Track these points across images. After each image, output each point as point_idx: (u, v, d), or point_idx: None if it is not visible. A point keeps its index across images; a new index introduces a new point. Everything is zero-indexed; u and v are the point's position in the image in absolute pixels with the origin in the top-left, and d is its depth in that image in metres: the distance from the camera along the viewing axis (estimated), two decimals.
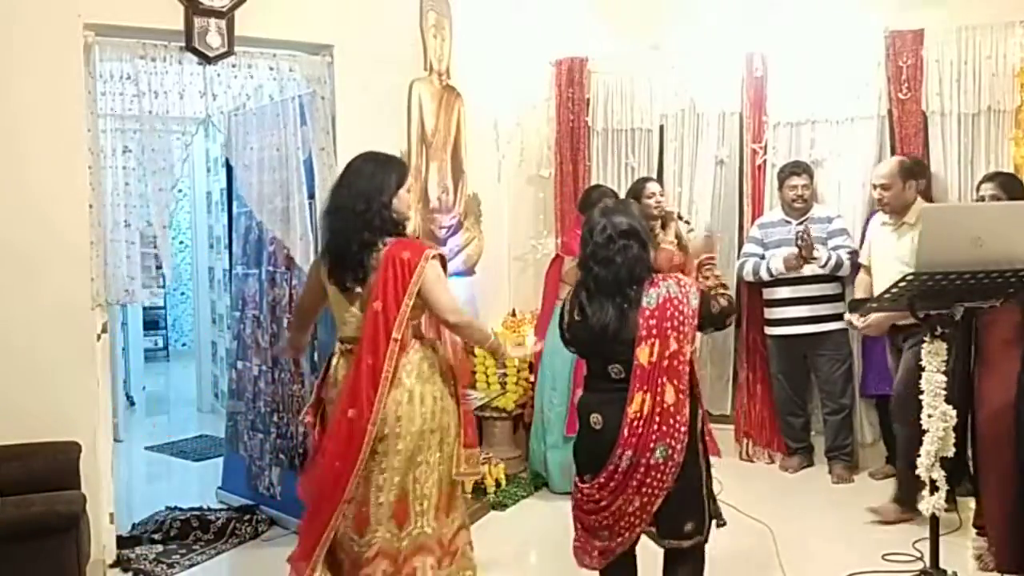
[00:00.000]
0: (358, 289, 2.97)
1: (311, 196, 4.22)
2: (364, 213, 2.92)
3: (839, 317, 5.06)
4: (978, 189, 4.19)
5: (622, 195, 5.02)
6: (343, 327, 3.07)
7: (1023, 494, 3.48)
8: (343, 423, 2.89)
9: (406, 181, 3.07)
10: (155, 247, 3.93)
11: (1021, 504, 3.48)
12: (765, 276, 5.08)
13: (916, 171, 4.50)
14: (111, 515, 3.89)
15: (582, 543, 2.89)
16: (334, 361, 3.09)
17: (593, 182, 5.62)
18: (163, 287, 10.12)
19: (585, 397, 2.90)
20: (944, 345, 3.24)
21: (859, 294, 4.57)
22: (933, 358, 3.23)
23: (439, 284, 2.96)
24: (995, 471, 3.58)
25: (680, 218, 5.10)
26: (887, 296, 3.33)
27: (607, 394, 2.77)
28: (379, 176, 3.00)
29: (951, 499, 3.70)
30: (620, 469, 2.70)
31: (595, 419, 2.80)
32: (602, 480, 2.73)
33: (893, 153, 5.08)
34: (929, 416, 3.23)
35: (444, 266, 3.05)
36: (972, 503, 3.90)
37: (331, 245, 3.02)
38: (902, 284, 3.15)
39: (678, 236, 5.00)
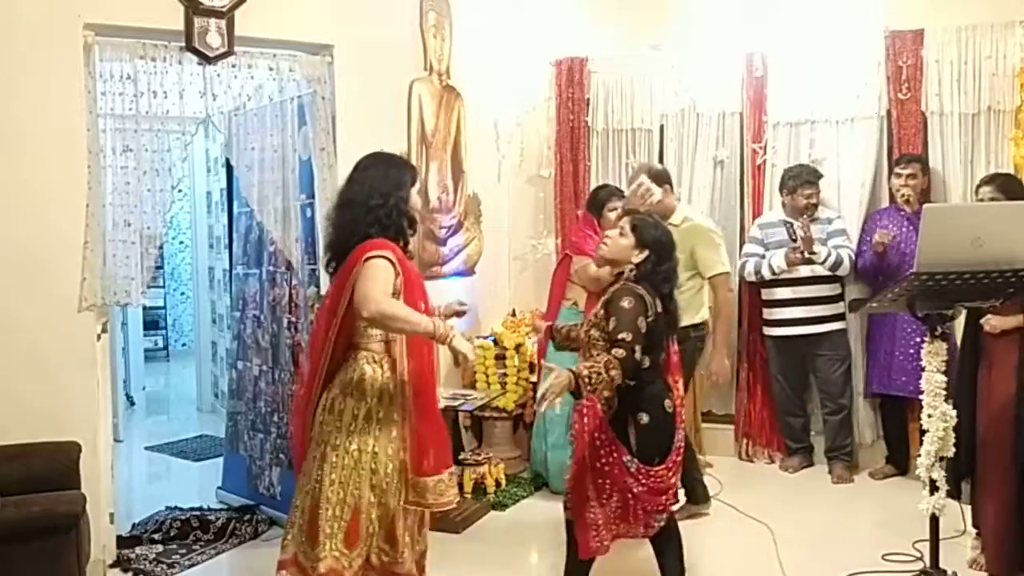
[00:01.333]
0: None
1: (311, 197, 4.22)
2: (377, 209, 2.87)
3: (838, 318, 5.08)
4: (977, 192, 4.19)
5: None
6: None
7: (1020, 497, 3.49)
8: (296, 398, 3.07)
9: (417, 181, 3.04)
10: (157, 248, 3.92)
11: (1017, 507, 3.49)
12: (767, 274, 5.08)
13: (664, 177, 4.45)
14: (111, 515, 3.89)
15: (604, 534, 2.96)
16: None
17: (593, 182, 5.62)
18: (162, 287, 10.17)
19: (657, 387, 3.04)
20: (944, 345, 3.24)
21: None
22: (933, 358, 3.23)
23: (362, 278, 2.79)
24: (993, 471, 3.59)
25: None
26: (888, 296, 3.33)
27: (664, 382, 3.09)
28: (394, 173, 2.96)
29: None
30: (679, 447, 3.05)
31: (668, 404, 3.05)
32: (674, 459, 3.03)
33: (892, 153, 5.09)
34: (929, 416, 3.23)
35: (398, 267, 2.88)
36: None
37: (333, 241, 2.96)
38: (903, 284, 3.16)
39: None
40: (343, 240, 2.91)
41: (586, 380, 2.78)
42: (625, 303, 2.93)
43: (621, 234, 3.12)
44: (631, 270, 3.07)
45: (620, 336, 2.87)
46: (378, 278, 2.79)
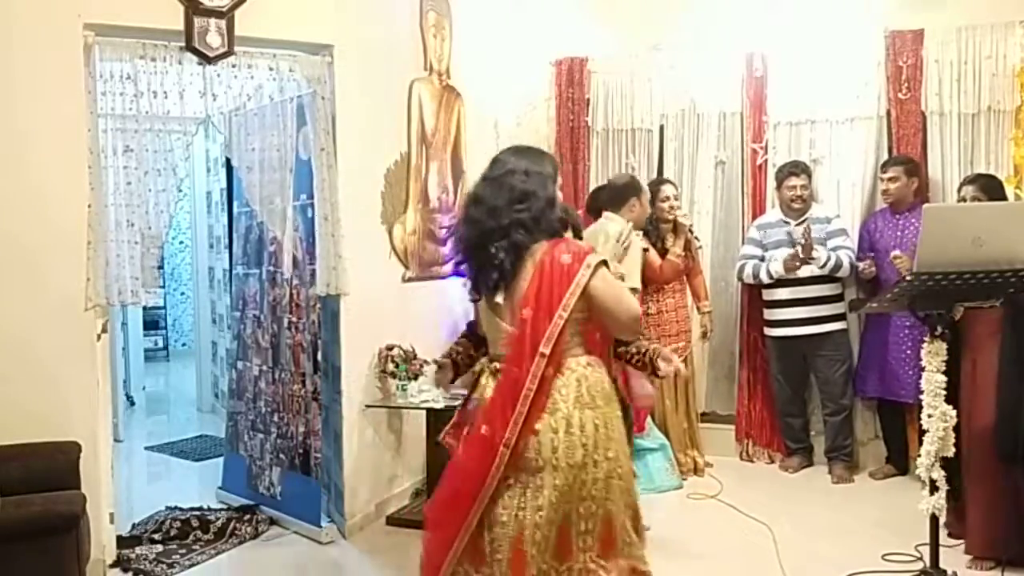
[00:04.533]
0: (498, 298, 2.60)
1: (311, 197, 4.22)
2: (520, 211, 2.58)
3: (839, 318, 5.09)
4: (959, 191, 4.23)
5: None
6: (491, 343, 2.73)
7: (1007, 482, 3.57)
8: (476, 440, 2.57)
9: (559, 175, 2.77)
10: (159, 248, 3.92)
11: (1003, 493, 3.58)
12: (765, 279, 5.08)
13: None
14: (111, 515, 3.89)
15: None
16: (482, 380, 2.71)
17: (593, 182, 5.62)
18: (162, 287, 10.17)
19: None
20: (944, 345, 3.24)
21: None
22: (933, 358, 3.23)
23: (611, 294, 2.54)
24: (979, 459, 3.66)
25: (691, 231, 5.07)
26: (888, 296, 3.34)
27: None
28: (535, 169, 2.65)
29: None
30: None
31: None
32: None
33: (891, 153, 5.10)
34: (929, 416, 3.23)
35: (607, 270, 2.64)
36: None
37: (473, 248, 2.64)
38: (903, 284, 3.16)
39: (687, 245, 4.98)
40: (485, 247, 2.58)
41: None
42: None
43: None
44: None
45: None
46: (622, 294, 2.60)
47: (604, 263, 2.55)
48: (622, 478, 2.60)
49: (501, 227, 2.56)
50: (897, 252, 4.57)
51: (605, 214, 4.40)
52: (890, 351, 4.89)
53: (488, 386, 2.64)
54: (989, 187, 4.08)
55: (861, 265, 4.91)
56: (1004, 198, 4.19)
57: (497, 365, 2.64)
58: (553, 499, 2.50)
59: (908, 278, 3.16)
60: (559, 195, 2.71)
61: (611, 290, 2.55)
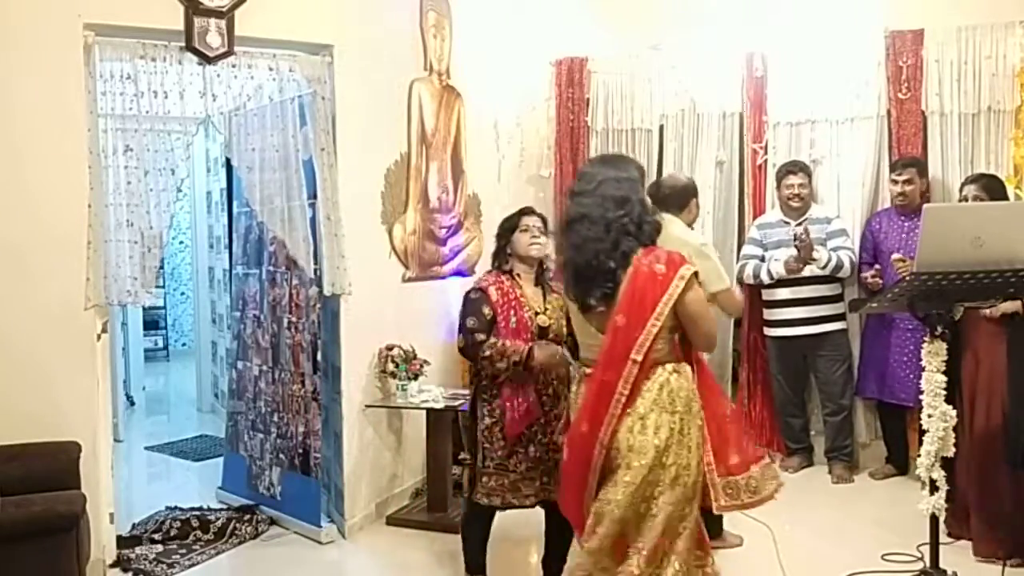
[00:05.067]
0: (601, 308, 2.67)
1: (312, 197, 4.21)
2: (621, 219, 2.63)
3: (839, 318, 5.08)
4: (961, 190, 4.23)
5: None
6: (584, 348, 2.83)
7: (1013, 482, 3.61)
8: (576, 438, 2.71)
9: (644, 179, 2.85)
10: (159, 247, 3.92)
11: (1010, 492, 3.62)
12: (765, 279, 5.08)
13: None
14: (111, 515, 3.89)
15: None
16: (574, 386, 2.88)
17: None
18: (162, 287, 10.17)
19: None
20: (944, 345, 3.24)
21: None
22: (933, 358, 3.23)
23: (699, 310, 2.63)
24: (983, 459, 3.71)
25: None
26: (888, 296, 3.33)
27: None
28: (623, 175, 2.72)
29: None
30: None
31: None
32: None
33: (891, 153, 5.09)
34: (929, 416, 3.23)
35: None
36: None
37: (577, 258, 2.68)
38: (903, 284, 3.16)
39: None
40: (591, 257, 2.65)
41: None
42: None
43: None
44: None
45: None
46: (708, 309, 2.71)
47: (695, 275, 2.61)
48: (687, 487, 2.62)
49: (610, 237, 2.63)
50: (898, 255, 4.56)
51: (666, 217, 4.15)
52: (892, 353, 4.89)
53: (581, 392, 2.76)
54: (991, 187, 4.08)
55: (867, 275, 4.87)
56: (1006, 198, 4.19)
57: (587, 371, 2.74)
58: (619, 496, 2.57)
59: (908, 278, 3.16)
60: (647, 199, 2.79)
61: (699, 306, 2.62)
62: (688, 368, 2.71)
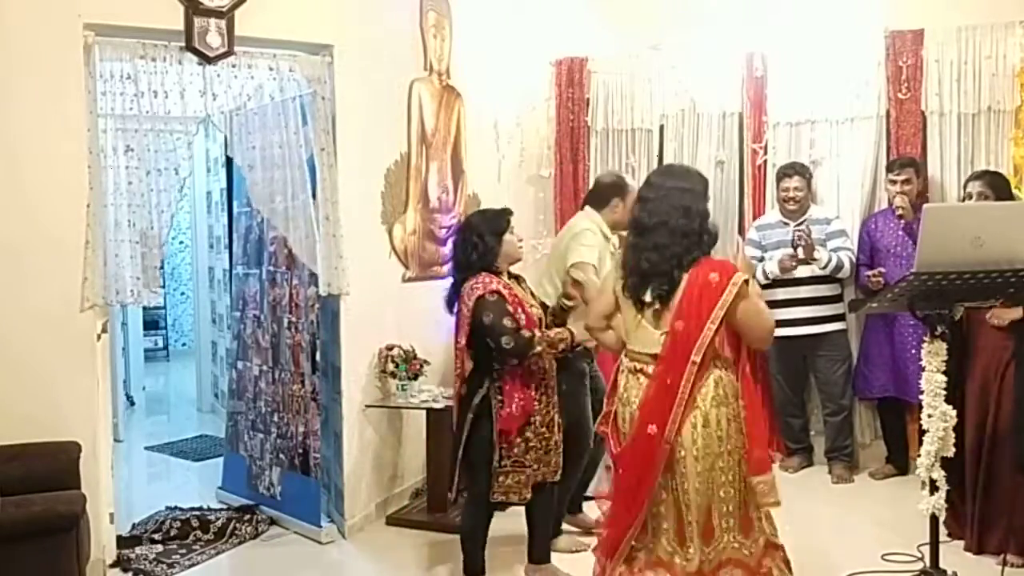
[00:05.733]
0: (656, 306, 2.86)
1: (313, 196, 4.21)
2: (688, 227, 2.84)
3: (838, 318, 5.08)
4: (965, 187, 4.22)
5: None
6: (634, 341, 2.96)
7: (1016, 483, 3.65)
8: (642, 438, 2.85)
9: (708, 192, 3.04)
10: (160, 247, 3.92)
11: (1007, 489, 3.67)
12: (761, 279, 5.07)
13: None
14: (111, 515, 3.89)
15: None
16: (621, 380, 2.99)
17: (593, 183, 5.61)
18: (163, 287, 10.16)
19: None
20: (944, 345, 3.24)
21: None
22: (933, 358, 3.23)
23: (752, 310, 2.82)
24: (997, 463, 3.71)
25: None
26: (888, 296, 3.33)
27: None
28: (687, 186, 2.93)
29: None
30: None
31: None
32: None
33: (890, 153, 5.09)
34: (929, 416, 3.23)
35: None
36: None
37: (646, 261, 2.86)
38: (903, 284, 3.16)
39: None
40: (660, 262, 2.85)
41: None
42: None
43: None
44: None
45: None
46: (762, 308, 2.89)
47: (746, 281, 2.80)
48: (743, 466, 2.86)
49: (683, 244, 2.82)
50: (877, 270, 4.68)
51: (586, 210, 4.25)
52: (901, 350, 4.87)
53: (632, 386, 2.92)
54: (996, 183, 4.05)
55: (869, 274, 4.85)
56: (1011, 195, 4.17)
57: (638, 366, 2.92)
58: (697, 485, 2.81)
59: (908, 277, 3.16)
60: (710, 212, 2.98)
61: (753, 307, 2.83)
62: (731, 361, 2.92)
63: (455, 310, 3.53)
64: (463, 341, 3.43)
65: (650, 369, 2.88)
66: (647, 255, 2.86)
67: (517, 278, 3.62)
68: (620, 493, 2.99)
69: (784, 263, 4.95)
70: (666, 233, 2.84)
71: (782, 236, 5.07)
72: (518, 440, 3.37)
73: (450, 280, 3.61)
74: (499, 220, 3.53)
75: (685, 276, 2.81)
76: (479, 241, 3.46)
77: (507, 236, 3.50)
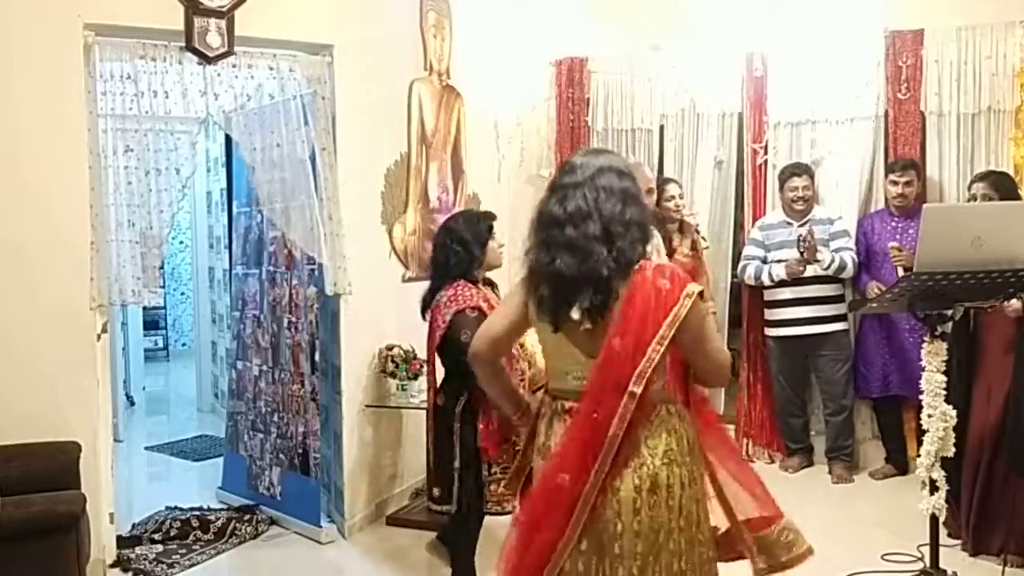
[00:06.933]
0: (586, 325, 2.12)
1: (315, 196, 4.21)
2: (630, 217, 2.14)
3: (840, 318, 5.08)
4: (970, 188, 4.22)
5: None
6: (558, 377, 2.25)
7: (1015, 482, 3.64)
8: (551, 490, 2.13)
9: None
10: (161, 247, 3.92)
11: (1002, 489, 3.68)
12: (766, 281, 5.08)
13: None
14: (111, 515, 3.89)
15: None
16: (541, 428, 2.28)
17: None
18: (163, 287, 10.16)
19: None
20: (944, 345, 3.24)
21: None
22: (933, 358, 3.23)
23: (709, 331, 2.19)
24: (984, 461, 3.72)
25: (697, 231, 4.94)
26: (888, 296, 3.33)
27: None
28: (624, 169, 2.21)
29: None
30: None
31: None
32: None
33: (889, 154, 5.09)
34: (929, 416, 3.23)
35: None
36: None
37: (563, 262, 2.12)
38: (903, 284, 3.16)
39: (694, 245, 4.93)
40: (583, 265, 2.11)
41: None
42: None
43: None
44: None
45: None
46: (716, 333, 2.26)
47: (700, 294, 2.13)
48: (703, 544, 2.20)
49: (609, 239, 2.10)
50: (895, 243, 4.58)
51: None
52: (898, 347, 4.88)
53: (557, 432, 2.21)
54: (1001, 184, 4.04)
55: (869, 286, 4.87)
56: (1017, 196, 4.16)
57: (565, 405, 2.21)
58: (635, 571, 2.10)
59: (908, 277, 3.16)
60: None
61: (707, 329, 2.18)
62: (684, 409, 2.25)
63: (429, 317, 3.37)
64: (434, 351, 3.31)
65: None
66: (568, 253, 2.11)
67: (491, 284, 3.51)
68: (518, 556, 2.21)
69: (792, 268, 4.95)
70: (595, 225, 2.11)
71: (786, 236, 5.07)
72: (504, 446, 3.24)
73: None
74: (482, 227, 3.37)
75: (624, 284, 2.10)
76: (460, 248, 3.35)
77: (490, 244, 3.37)
